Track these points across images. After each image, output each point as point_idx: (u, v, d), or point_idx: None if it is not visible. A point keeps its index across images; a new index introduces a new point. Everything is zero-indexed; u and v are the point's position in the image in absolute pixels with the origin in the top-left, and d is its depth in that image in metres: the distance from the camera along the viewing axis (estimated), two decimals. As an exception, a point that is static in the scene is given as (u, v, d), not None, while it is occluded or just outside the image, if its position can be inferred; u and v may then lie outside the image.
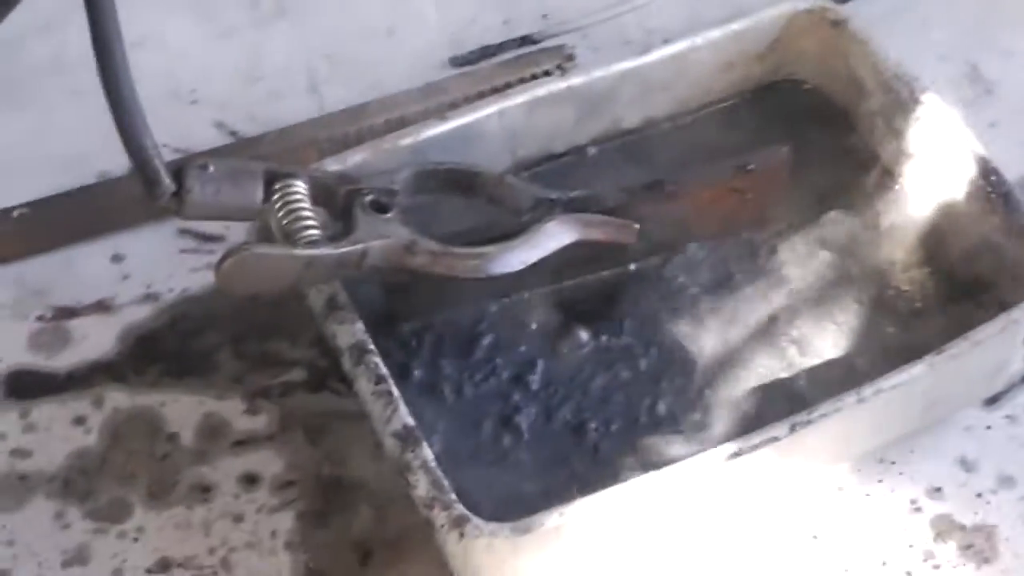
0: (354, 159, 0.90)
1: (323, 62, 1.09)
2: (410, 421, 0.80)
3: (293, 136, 1.02)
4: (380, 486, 0.89)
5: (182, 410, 0.92)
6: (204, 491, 0.89)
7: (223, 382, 0.93)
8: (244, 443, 0.91)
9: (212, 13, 1.12)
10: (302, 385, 0.93)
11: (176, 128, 1.04)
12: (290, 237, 0.81)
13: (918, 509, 0.89)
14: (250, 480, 0.89)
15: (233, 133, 1.04)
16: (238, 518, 0.88)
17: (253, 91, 1.07)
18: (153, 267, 0.98)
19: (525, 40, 1.10)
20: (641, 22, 1.12)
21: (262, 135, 1.02)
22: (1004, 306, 0.86)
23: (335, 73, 1.08)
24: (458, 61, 1.08)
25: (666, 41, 0.97)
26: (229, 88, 1.07)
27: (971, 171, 0.91)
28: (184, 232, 0.99)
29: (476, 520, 0.76)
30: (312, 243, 0.81)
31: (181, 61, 1.09)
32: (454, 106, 1.00)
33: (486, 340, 0.89)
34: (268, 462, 0.90)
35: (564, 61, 1.07)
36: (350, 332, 0.83)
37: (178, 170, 0.80)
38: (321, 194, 0.84)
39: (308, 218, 0.82)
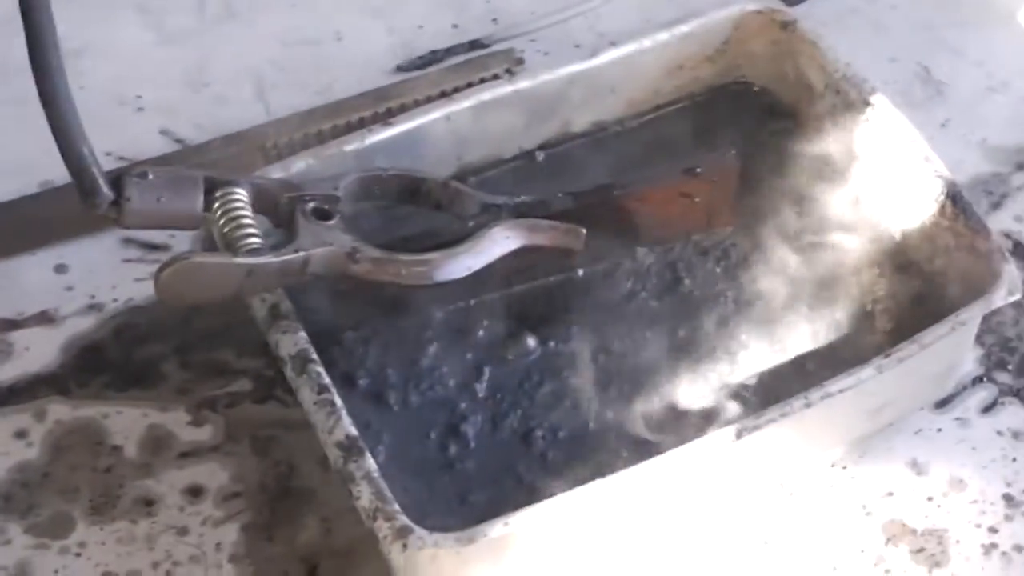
0: (298, 165, 0.89)
1: (270, 67, 1.08)
2: (353, 431, 0.79)
3: (239, 142, 1.00)
4: (327, 496, 0.88)
5: (126, 422, 0.91)
6: (148, 504, 0.88)
7: (168, 393, 0.92)
8: (189, 455, 0.89)
9: (158, 19, 1.10)
10: (248, 395, 0.92)
11: (122, 136, 1.03)
12: (231, 245, 0.80)
13: (869, 513, 0.89)
14: (195, 492, 0.88)
15: (179, 140, 1.03)
16: (182, 531, 0.87)
17: (199, 97, 1.06)
18: (97, 277, 0.97)
19: (474, 44, 1.09)
20: (592, 25, 1.12)
21: (208, 142, 1.01)
22: (954, 308, 0.86)
23: (282, 78, 1.07)
24: (406, 66, 1.07)
25: (613, 44, 0.96)
26: (175, 95, 1.06)
27: (920, 174, 0.91)
28: (128, 241, 0.98)
29: (419, 531, 0.75)
30: (253, 251, 0.80)
31: (127, 68, 1.08)
32: (402, 111, 0.99)
33: (432, 348, 0.88)
34: (213, 474, 0.89)
35: (513, 65, 1.06)
36: (292, 341, 0.82)
37: (117, 179, 0.79)
38: (263, 202, 0.83)
39: (249, 226, 0.81)
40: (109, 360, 0.93)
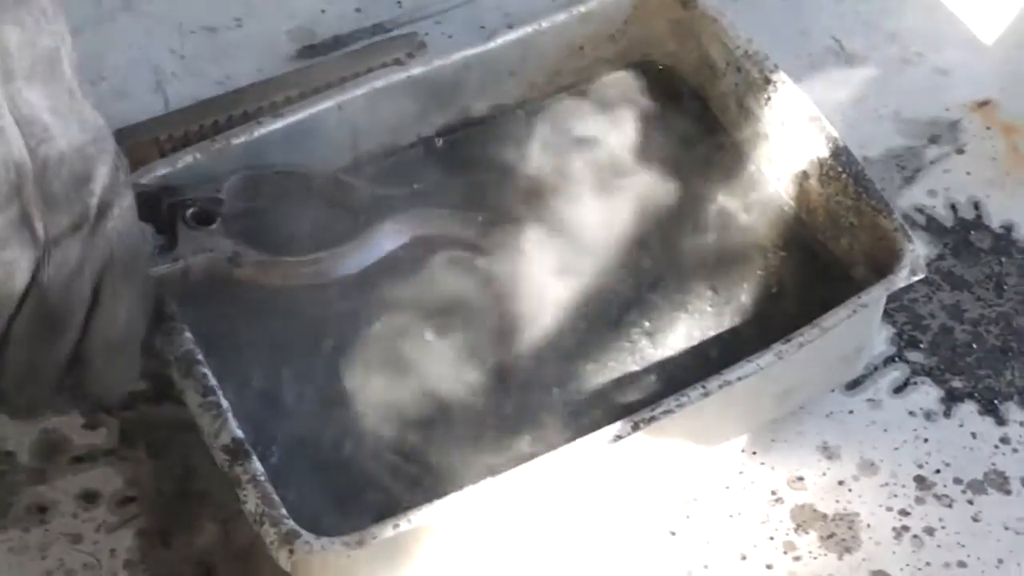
0: (184, 160, 0.86)
1: (169, 57, 1.05)
2: (239, 434, 0.77)
3: (132, 137, 0.97)
4: (225, 498, 0.85)
5: (19, 427, 0.88)
6: (41, 511, 0.85)
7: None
8: (83, 459, 0.87)
9: (54, 10, 1.07)
10: (144, 396, 0.90)
11: (16, 131, 1.00)
12: None
13: (779, 500, 0.87)
14: (89, 498, 0.86)
15: (74, 135, 1.01)
16: (76, 538, 0.85)
17: (95, 91, 1.02)
18: (-11, 278, 0.94)
19: (377, 28, 1.06)
20: (499, 6, 1.09)
21: (101, 136, 0.98)
22: (862, 288, 0.84)
23: (181, 68, 1.05)
24: (308, 52, 1.05)
25: (510, 26, 0.94)
26: (71, 88, 1.03)
27: (823, 151, 0.89)
28: (22, 241, 0.95)
29: (306, 535, 0.74)
30: None
31: (21, 62, 1.05)
32: (301, 99, 0.96)
33: (328, 343, 0.86)
34: (108, 478, 0.87)
35: (415, 49, 1.03)
36: (178, 343, 0.80)
37: None
38: (145, 209, 0.80)
39: None
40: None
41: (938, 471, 0.88)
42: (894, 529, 0.86)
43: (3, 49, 0.68)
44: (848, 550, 0.85)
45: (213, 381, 0.79)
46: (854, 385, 0.91)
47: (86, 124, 0.71)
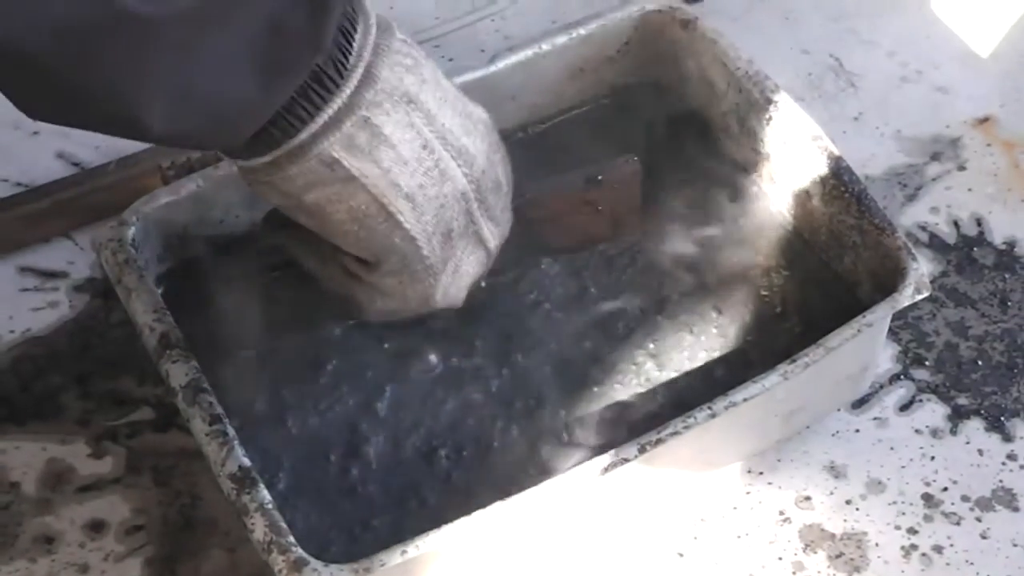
0: (187, 188, 0.87)
1: (170, 85, 1.05)
2: (246, 462, 0.77)
3: (136, 164, 0.98)
4: (232, 526, 0.86)
5: (24, 457, 0.88)
6: (48, 542, 0.85)
7: (67, 425, 0.90)
8: (89, 488, 0.87)
9: (54, 39, 1.08)
10: (149, 424, 0.90)
11: (18, 161, 1.01)
12: None
13: (787, 520, 0.87)
14: (96, 527, 0.86)
15: (76, 164, 1.01)
16: (83, 568, 0.84)
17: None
18: (-8, 307, 0.94)
19: (377, 52, 1.06)
20: (499, 28, 1.10)
21: (104, 165, 0.98)
22: (866, 307, 0.84)
23: (182, 96, 1.05)
24: (308, 77, 1.05)
25: (511, 49, 0.94)
26: (72, 117, 1.03)
27: (824, 170, 0.89)
28: (25, 271, 0.96)
29: (315, 563, 0.73)
30: None
31: (22, 90, 1.05)
32: (304, 124, 0.96)
33: (330, 366, 0.86)
34: (115, 507, 0.87)
35: (416, 73, 1.03)
36: (183, 371, 0.80)
37: None
38: None
39: None
40: (6, 393, 0.91)
41: (945, 489, 0.88)
42: (902, 548, 0.86)
43: (415, 93, 0.73)
44: (857, 569, 0.85)
45: (219, 409, 0.78)
46: (860, 404, 0.91)
47: (479, 127, 0.77)
